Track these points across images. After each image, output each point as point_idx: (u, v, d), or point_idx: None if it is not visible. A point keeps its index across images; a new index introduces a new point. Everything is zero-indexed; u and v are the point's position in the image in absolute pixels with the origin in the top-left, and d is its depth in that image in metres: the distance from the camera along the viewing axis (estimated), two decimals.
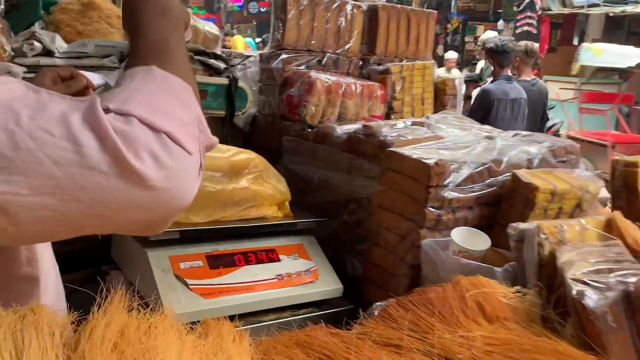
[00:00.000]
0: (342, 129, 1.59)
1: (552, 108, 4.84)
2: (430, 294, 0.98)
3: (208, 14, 23.68)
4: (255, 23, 22.43)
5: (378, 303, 1.20)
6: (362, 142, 1.51)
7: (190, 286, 1.22)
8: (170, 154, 0.57)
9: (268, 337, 0.91)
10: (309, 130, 1.70)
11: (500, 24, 10.92)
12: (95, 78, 1.73)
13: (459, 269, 1.16)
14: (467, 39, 11.95)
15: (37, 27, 1.86)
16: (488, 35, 5.60)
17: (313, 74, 1.70)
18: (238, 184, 1.40)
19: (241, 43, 9.40)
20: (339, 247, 1.60)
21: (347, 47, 1.90)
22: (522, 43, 4.03)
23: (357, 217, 1.55)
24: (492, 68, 3.80)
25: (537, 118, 3.93)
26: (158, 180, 0.56)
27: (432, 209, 1.28)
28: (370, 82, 1.80)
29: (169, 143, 0.57)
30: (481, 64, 4.47)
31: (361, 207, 1.54)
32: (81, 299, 1.62)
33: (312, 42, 1.85)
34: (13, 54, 1.72)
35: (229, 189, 1.37)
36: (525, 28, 9.62)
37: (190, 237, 1.31)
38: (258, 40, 12.53)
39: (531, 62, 4.06)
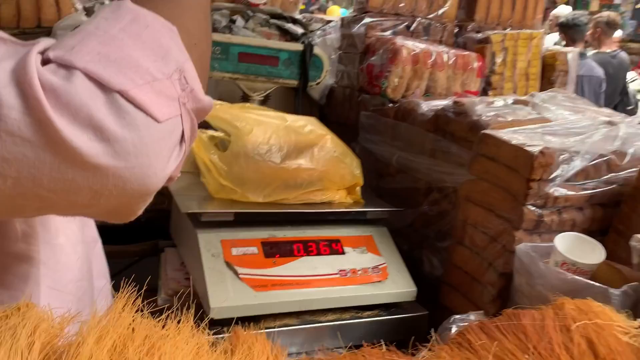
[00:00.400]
0: (429, 105, 1.37)
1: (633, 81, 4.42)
2: (523, 319, 0.77)
3: None
4: None
5: (457, 316, 1.00)
6: (450, 122, 1.28)
7: (240, 275, 1.07)
8: (122, 121, 0.40)
9: None
10: (390, 105, 1.49)
11: None
12: None
13: (562, 286, 0.93)
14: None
15: None
16: (561, 11, 5.28)
17: (399, 40, 1.49)
18: (304, 162, 1.23)
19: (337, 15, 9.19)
20: (416, 242, 1.40)
21: (441, 11, 1.66)
22: (605, 14, 3.88)
23: (440, 208, 1.34)
24: (565, 43, 3.61)
25: (615, 93, 3.70)
26: (101, 156, 0.41)
27: (533, 208, 1.05)
28: (466, 52, 1.55)
29: (123, 105, 0.41)
30: (554, 38, 4.26)
31: (445, 198, 1.32)
32: (140, 270, 1.54)
33: (401, 4, 1.62)
34: (84, 11, 1.65)
35: (292, 166, 1.20)
36: None
37: (245, 219, 1.16)
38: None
39: (612, 33, 3.86)
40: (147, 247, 1.61)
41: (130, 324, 0.58)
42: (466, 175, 1.20)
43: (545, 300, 0.86)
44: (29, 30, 1.55)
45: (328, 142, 1.26)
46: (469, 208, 1.18)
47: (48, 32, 1.57)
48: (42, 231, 0.71)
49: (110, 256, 1.87)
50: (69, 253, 0.76)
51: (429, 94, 1.52)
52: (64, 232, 0.77)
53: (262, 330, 1.03)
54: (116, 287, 1.68)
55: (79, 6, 1.64)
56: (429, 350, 0.77)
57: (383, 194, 1.52)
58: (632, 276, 0.93)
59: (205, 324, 0.66)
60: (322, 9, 10.72)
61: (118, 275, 1.53)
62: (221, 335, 0.72)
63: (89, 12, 1.71)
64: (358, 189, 1.31)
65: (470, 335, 0.77)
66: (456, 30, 1.68)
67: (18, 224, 0.66)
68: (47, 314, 0.59)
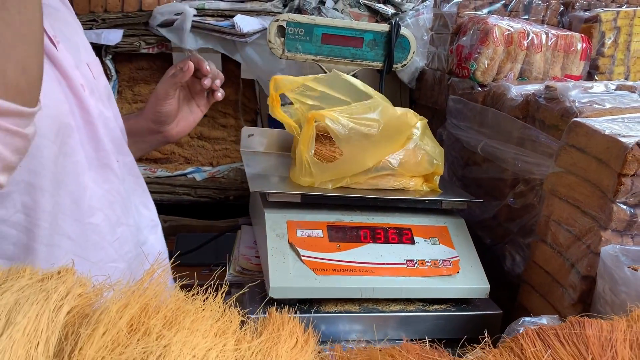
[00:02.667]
0: (519, 90, 1.27)
1: None
2: (588, 329, 0.68)
3: None
4: None
5: (527, 318, 0.92)
6: (541, 108, 1.17)
7: (302, 257, 1.07)
8: None
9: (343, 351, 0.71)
10: (480, 89, 1.40)
11: None
12: (250, 23, 1.65)
13: None
14: None
15: None
16: None
17: (492, 19, 1.38)
18: (383, 147, 1.19)
19: None
20: (500, 237, 1.31)
21: None
22: None
23: (526, 201, 1.24)
24: None
25: None
26: None
27: (624, 206, 0.93)
28: (570, 33, 1.40)
29: None
30: None
31: (532, 190, 1.22)
32: (219, 246, 1.59)
33: None
34: None
35: (351, 159, 1.15)
36: None
37: (312, 202, 1.16)
38: None
39: None
40: (228, 224, 1.67)
41: (156, 295, 0.59)
42: (553, 167, 1.09)
43: (624, 313, 0.76)
44: (132, 13, 1.66)
45: (412, 126, 1.20)
46: (554, 203, 1.08)
47: (148, 16, 1.66)
48: (71, 208, 0.74)
49: (199, 230, 1.96)
50: (103, 233, 0.79)
51: (524, 77, 1.40)
52: (103, 212, 0.80)
53: (298, 315, 1.01)
54: (199, 259, 1.73)
55: None
56: (476, 356, 0.71)
57: (468, 184, 1.44)
58: None
59: (237, 303, 0.66)
60: None
61: (199, 249, 1.60)
62: (255, 315, 0.71)
63: None
64: (436, 177, 1.25)
65: (524, 340, 0.70)
66: (561, 8, 1.53)
67: (18, 195, 0.69)
68: (84, 280, 0.62)
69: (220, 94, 1.08)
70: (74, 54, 0.84)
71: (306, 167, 1.12)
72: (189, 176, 1.79)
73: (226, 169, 1.85)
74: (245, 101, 1.84)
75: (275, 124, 1.76)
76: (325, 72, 1.51)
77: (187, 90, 1.08)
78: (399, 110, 1.14)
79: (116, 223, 0.82)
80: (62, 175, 0.73)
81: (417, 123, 1.17)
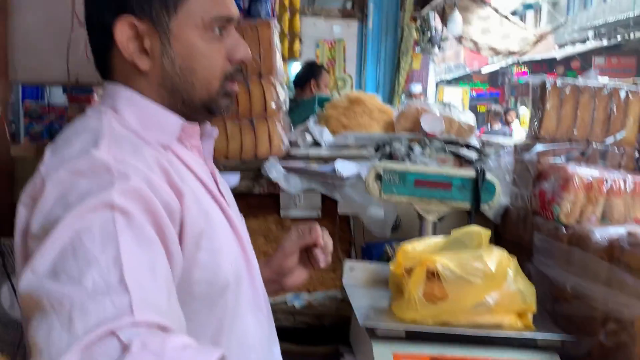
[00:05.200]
0: (602, 233, 1.38)
1: None
2: None
3: (492, 88, 23.79)
4: None
5: None
6: (625, 252, 1.28)
7: None
8: None
9: None
10: (564, 230, 1.52)
11: None
12: (348, 168, 1.88)
13: None
14: None
15: (311, 122, 2.13)
16: None
17: (570, 167, 1.54)
18: (484, 290, 1.31)
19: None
20: None
21: (618, 136, 1.68)
22: None
23: (618, 340, 1.30)
24: None
25: None
26: None
27: None
28: None
29: None
30: None
31: (624, 330, 1.29)
32: None
33: (575, 131, 1.68)
34: (289, 145, 2.01)
35: (460, 298, 1.29)
36: None
37: (416, 336, 1.28)
38: None
39: None
40: (327, 350, 1.79)
41: None
42: None
43: None
44: (248, 160, 1.95)
45: (507, 266, 1.33)
46: None
47: (261, 162, 1.95)
48: (237, 352, 0.91)
49: (292, 355, 2.10)
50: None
51: (606, 219, 1.52)
52: (256, 353, 0.97)
53: None
54: None
55: (286, 140, 2.00)
56: None
57: (558, 319, 1.51)
58: None
59: None
60: (513, 110, 10.86)
61: None
62: None
63: (292, 144, 2.07)
64: (530, 314, 1.35)
65: None
66: (638, 155, 1.67)
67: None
68: None
69: (322, 264, 1.22)
70: (232, 208, 1.06)
71: (413, 304, 1.26)
72: (289, 303, 1.96)
73: (322, 296, 2.01)
74: (341, 233, 2.03)
75: (369, 255, 1.93)
76: (418, 212, 1.69)
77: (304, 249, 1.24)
78: (499, 259, 1.27)
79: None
80: (234, 320, 0.91)
81: (510, 268, 1.30)
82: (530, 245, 1.67)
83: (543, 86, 1.70)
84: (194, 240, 0.88)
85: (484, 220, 1.94)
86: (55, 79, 2.31)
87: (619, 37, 16.08)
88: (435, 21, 9.24)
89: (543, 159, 1.66)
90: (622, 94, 1.68)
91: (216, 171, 1.09)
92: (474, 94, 20.94)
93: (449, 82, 22.98)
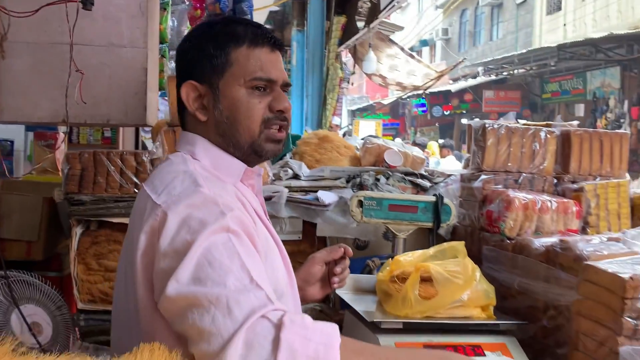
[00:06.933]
0: (540, 242, 1.81)
1: None
2: None
3: (393, 119, 25.17)
4: (438, 125, 23.26)
5: None
6: (559, 255, 1.71)
7: None
8: None
9: None
10: (508, 241, 1.94)
11: None
12: (329, 196, 2.21)
13: None
14: None
15: (287, 157, 2.44)
16: None
17: (511, 192, 1.97)
18: (454, 291, 1.68)
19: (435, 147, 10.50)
20: (538, 351, 1.76)
21: (541, 167, 2.15)
22: None
23: (556, 322, 1.72)
24: None
25: None
26: None
27: (630, 319, 1.43)
28: (566, 200, 2.00)
29: None
30: None
31: (560, 314, 1.71)
32: None
33: (509, 164, 2.13)
34: (273, 177, 2.30)
35: (447, 295, 1.65)
36: None
37: (410, 327, 1.62)
38: (441, 141, 13.14)
39: None
40: None
41: None
42: (575, 295, 1.59)
43: None
44: None
45: (475, 273, 1.70)
46: (580, 321, 1.56)
47: None
48: None
49: None
50: None
51: (538, 232, 1.96)
52: None
53: None
54: None
55: (270, 173, 2.30)
56: None
57: (507, 312, 1.92)
58: None
59: None
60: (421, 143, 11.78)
61: None
62: None
63: (275, 176, 2.36)
64: (491, 308, 1.73)
65: None
66: (555, 181, 2.15)
67: None
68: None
69: (336, 285, 1.51)
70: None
71: (409, 302, 1.60)
72: None
73: (304, 309, 2.29)
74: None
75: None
76: (392, 231, 2.05)
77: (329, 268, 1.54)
78: (471, 266, 1.65)
79: None
80: None
81: (477, 272, 1.69)
82: (478, 255, 2.08)
83: (484, 128, 2.14)
84: (263, 257, 1.16)
85: (438, 238, 2.34)
86: (42, 119, 2.44)
87: (505, 73, 17.86)
88: (347, 58, 9.88)
89: (487, 186, 2.09)
90: (542, 134, 2.16)
91: (264, 203, 1.38)
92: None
93: (354, 112, 24.10)
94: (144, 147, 5.80)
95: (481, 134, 2.16)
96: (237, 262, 1.02)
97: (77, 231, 2.14)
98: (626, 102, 12.83)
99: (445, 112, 21.25)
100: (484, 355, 1.60)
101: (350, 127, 15.21)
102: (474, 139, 2.20)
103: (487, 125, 2.14)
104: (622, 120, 12.67)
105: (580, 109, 14.54)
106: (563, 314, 1.69)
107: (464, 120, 21.70)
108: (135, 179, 2.16)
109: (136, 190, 2.20)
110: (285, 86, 1.26)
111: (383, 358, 0.99)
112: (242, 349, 0.89)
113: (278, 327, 0.92)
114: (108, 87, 2.38)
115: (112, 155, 2.17)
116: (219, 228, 1.05)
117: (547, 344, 1.74)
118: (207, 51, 1.20)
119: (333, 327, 0.96)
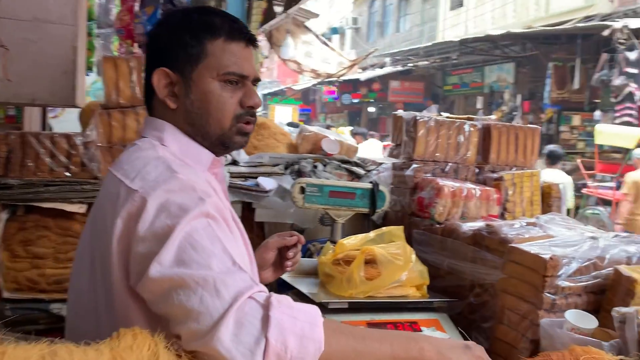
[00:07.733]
0: (467, 226, 1.98)
1: None
2: (552, 356, 1.32)
3: (304, 105, 25.39)
4: (347, 113, 23.80)
5: None
6: (485, 238, 1.88)
7: None
8: None
9: None
10: (437, 225, 2.10)
11: (598, 114, 10.98)
12: (269, 183, 2.26)
13: (573, 342, 1.47)
14: (562, 128, 12.04)
15: None
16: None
17: (440, 180, 2.13)
18: (395, 272, 1.80)
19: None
20: (466, 325, 1.94)
21: (465, 157, 2.33)
22: None
23: (482, 299, 1.90)
24: None
25: None
26: None
27: (549, 295, 1.62)
28: (487, 188, 2.19)
29: None
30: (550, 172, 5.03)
31: (485, 292, 1.88)
32: None
33: (437, 154, 2.29)
34: None
35: (389, 276, 1.76)
36: (625, 119, 9.61)
37: (355, 307, 1.72)
38: (351, 128, 13.44)
39: None
40: None
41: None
42: (500, 274, 1.77)
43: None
44: None
45: (410, 255, 1.84)
46: (505, 297, 1.74)
47: None
48: None
49: None
50: None
51: (464, 217, 2.13)
52: None
53: None
54: None
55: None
56: None
57: (437, 291, 2.08)
58: (615, 335, 1.48)
59: None
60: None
61: None
62: None
63: None
64: (425, 287, 1.88)
65: None
66: (477, 171, 2.34)
67: None
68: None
69: (289, 269, 1.59)
70: None
71: (354, 283, 1.70)
72: None
73: None
74: (256, 238, 2.38)
75: None
76: (331, 216, 2.14)
77: (280, 253, 1.60)
78: (408, 248, 1.78)
79: None
80: None
81: (413, 254, 1.82)
82: (408, 238, 2.22)
83: (415, 121, 2.29)
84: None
85: (370, 223, 2.47)
86: None
87: (410, 64, 18.57)
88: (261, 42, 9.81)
89: (418, 174, 2.24)
90: (466, 127, 2.34)
91: (226, 190, 1.42)
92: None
93: (265, 97, 24.00)
94: (50, 129, 5.48)
95: (412, 126, 2.30)
96: (218, 246, 1.06)
97: (3, 216, 2.03)
98: (519, 96, 13.85)
99: (354, 100, 21.76)
100: (420, 330, 1.74)
101: (265, 112, 15.16)
102: (405, 130, 2.34)
103: (418, 118, 2.28)
104: (514, 113, 13.66)
105: (480, 102, 15.49)
106: (488, 291, 1.87)
107: (371, 109, 22.37)
108: (67, 162, 2.08)
109: (67, 174, 2.12)
110: (255, 81, 1.29)
111: (359, 335, 1.07)
112: (233, 327, 0.93)
113: (266, 307, 0.98)
114: (34, 65, 2.26)
115: (42, 138, 2.07)
116: (199, 213, 1.08)
117: (474, 319, 1.91)
118: (183, 40, 1.21)
119: (315, 308, 1.03)
